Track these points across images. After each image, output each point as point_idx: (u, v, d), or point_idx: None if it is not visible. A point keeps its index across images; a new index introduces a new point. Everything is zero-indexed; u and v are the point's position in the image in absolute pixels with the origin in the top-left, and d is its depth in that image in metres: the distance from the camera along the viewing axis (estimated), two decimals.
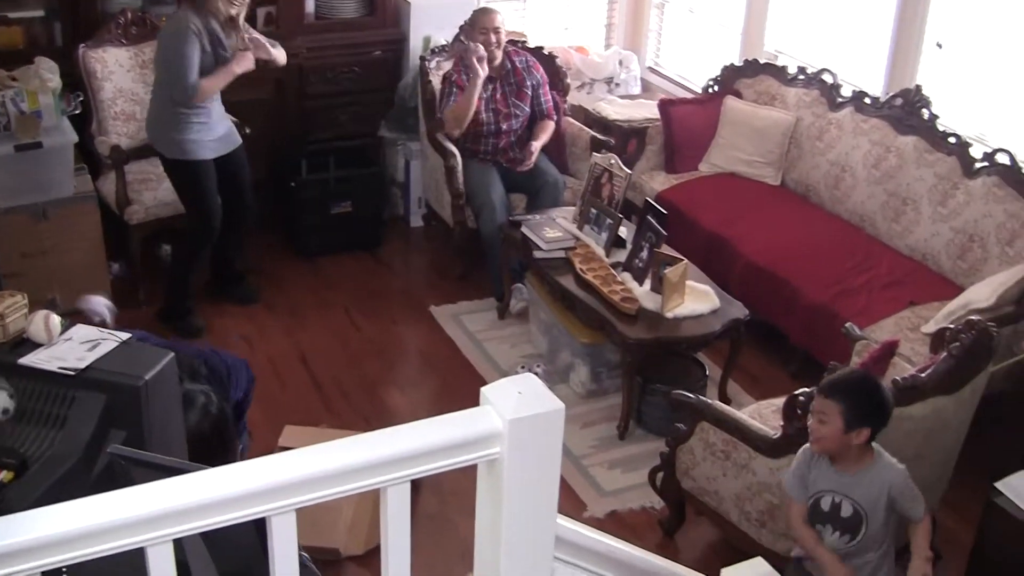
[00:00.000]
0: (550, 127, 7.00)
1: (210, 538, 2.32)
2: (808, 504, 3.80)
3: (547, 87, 7.04)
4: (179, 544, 2.03)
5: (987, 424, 4.63)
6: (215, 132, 6.01)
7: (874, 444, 3.70)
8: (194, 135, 5.91)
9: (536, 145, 6.82)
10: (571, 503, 5.01)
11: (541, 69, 7.04)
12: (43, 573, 1.62)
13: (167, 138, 5.96)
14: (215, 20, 5.79)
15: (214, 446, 3.54)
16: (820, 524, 3.80)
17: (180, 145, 5.92)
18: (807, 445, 3.77)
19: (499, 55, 6.78)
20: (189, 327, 6.22)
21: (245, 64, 5.96)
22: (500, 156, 6.90)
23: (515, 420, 1.78)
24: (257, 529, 1.84)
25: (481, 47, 6.61)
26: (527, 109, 6.94)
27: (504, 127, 6.85)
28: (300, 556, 2.33)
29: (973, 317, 4.28)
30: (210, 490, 1.64)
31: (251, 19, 6.42)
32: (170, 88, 5.85)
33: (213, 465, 3.16)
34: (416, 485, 4.87)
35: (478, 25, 6.77)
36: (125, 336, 2.97)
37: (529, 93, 6.93)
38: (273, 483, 1.68)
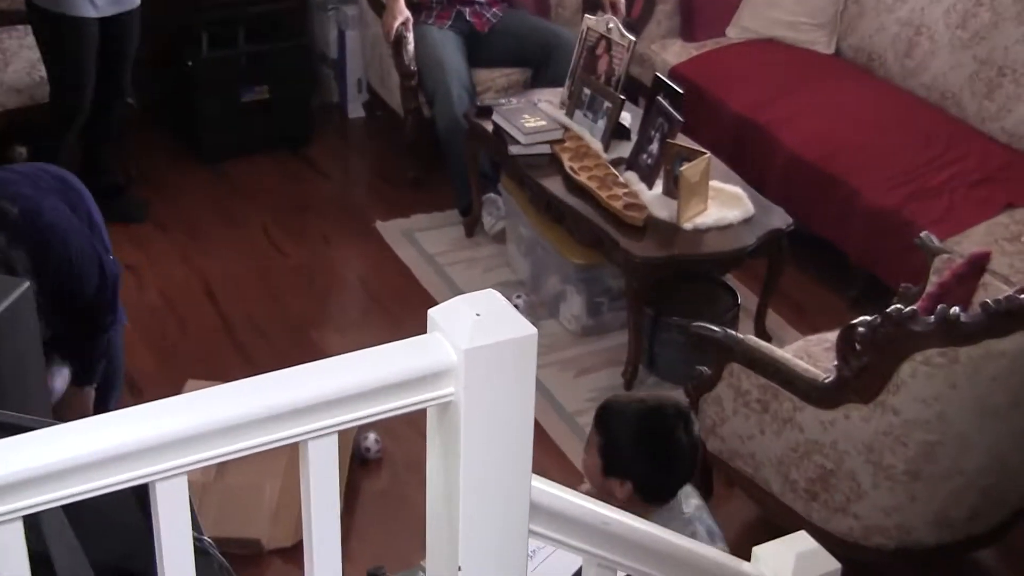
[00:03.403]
0: None
1: (80, 523, 2.33)
2: None
3: None
4: (36, 530, 2.04)
5: None
6: None
7: (676, 508, 3.60)
8: None
9: None
10: (564, 473, 5.02)
11: None
12: None
13: None
14: None
15: None
16: None
17: None
18: None
19: None
20: None
21: None
22: (464, 7, 6.89)
23: (472, 350, 1.78)
24: (142, 508, 1.85)
25: None
26: None
27: None
28: (199, 541, 2.35)
29: None
30: (70, 449, 1.64)
31: None
32: None
33: None
34: (363, 460, 4.94)
35: None
36: None
37: None
38: (155, 438, 1.67)
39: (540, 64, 6.81)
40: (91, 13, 5.95)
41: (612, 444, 3.49)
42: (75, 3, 5.89)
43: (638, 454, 3.48)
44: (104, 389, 4.41)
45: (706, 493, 4.89)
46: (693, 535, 3.49)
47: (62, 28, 5.97)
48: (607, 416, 3.55)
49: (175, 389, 5.13)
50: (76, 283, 3.90)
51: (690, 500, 3.65)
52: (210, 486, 4.63)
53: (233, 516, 4.63)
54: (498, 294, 1.90)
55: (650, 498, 3.51)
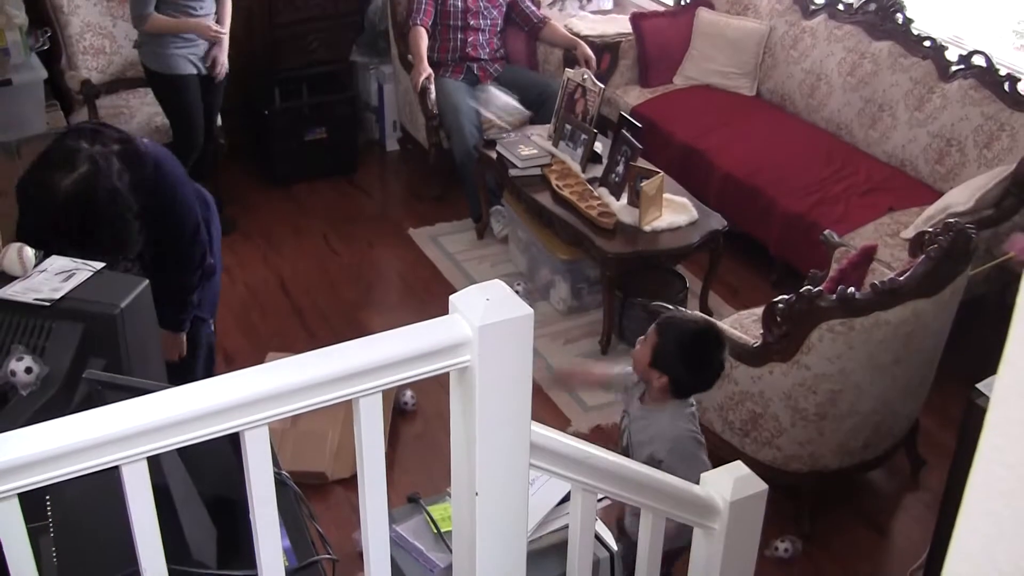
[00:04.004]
0: (556, 27, 7.08)
1: (189, 461, 2.33)
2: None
3: None
4: (158, 467, 2.04)
5: (969, 328, 4.65)
6: (201, 49, 6.03)
7: (687, 403, 3.54)
8: (176, 49, 5.92)
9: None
10: (555, 419, 5.03)
11: None
12: (24, 498, 1.63)
13: (151, 50, 5.98)
14: None
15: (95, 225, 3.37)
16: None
17: (162, 58, 5.94)
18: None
19: None
20: None
21: (200, 30, 5.95)
22: (472, 63, 6.87)
23: (484, 327, 1.78)
24: (235, 449, 1.85)
25: None
26: (496, 14, 6.90)
27: (472, 23, 6.81)
28: (278, 474, 2.35)
29: (951, 220, 4.28)
30: (181, 406, 1.64)
31: None
32: (129, 7, 5.95)
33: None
34: (403, 411, 4.92)
35: None
36: (99, 266, 2.96)
37: (501, 1, 6.91)
38: (243, 397, 1.68)
39: (534, 107, 6.78)
40: (192, 71, 6.00)
41: (664, 346, 3.44)
42: (177, 65, 5.94)
43: (682, 358, 3.44)
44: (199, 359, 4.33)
45: None
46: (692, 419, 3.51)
47: (173, 84, 6.02)
48: (666, 324, 3.50)
49: (259, 359, 5.14)
50: (176, 226, 3.81)
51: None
52: (286, 432, 4.63)
53: (304, 454, 4.63)
54: (503, 283, 1.89)
55: (676, 393, 3.46)
